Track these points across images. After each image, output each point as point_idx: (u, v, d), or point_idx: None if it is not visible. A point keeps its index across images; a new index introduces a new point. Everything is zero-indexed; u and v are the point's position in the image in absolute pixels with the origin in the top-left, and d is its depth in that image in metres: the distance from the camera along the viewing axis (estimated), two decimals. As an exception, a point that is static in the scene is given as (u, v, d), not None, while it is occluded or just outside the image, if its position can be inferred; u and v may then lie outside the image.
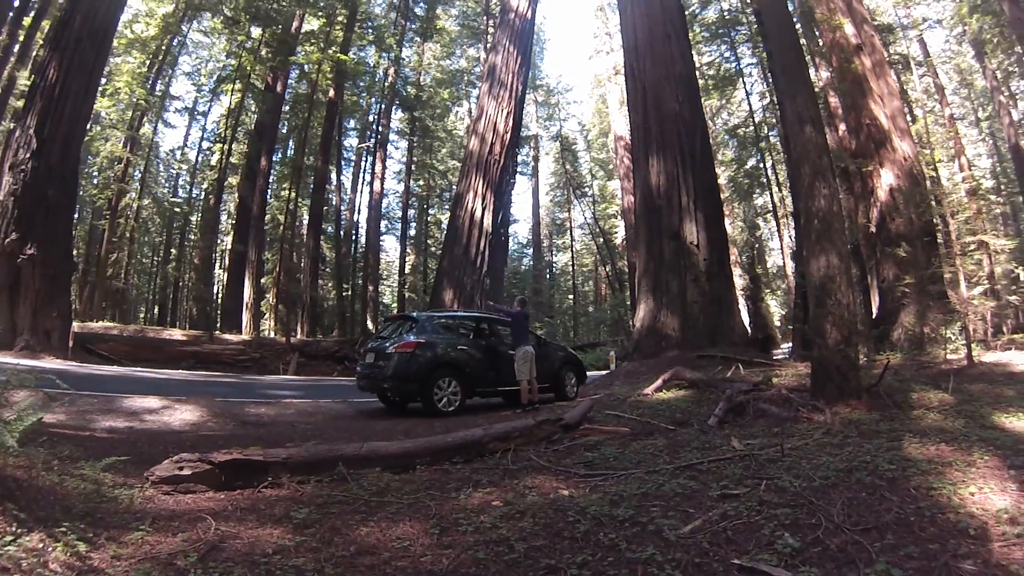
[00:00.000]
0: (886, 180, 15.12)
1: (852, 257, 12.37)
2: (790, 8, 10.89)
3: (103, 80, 22.06)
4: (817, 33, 17.50)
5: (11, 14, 17.06)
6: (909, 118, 17.86)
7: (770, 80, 24.07)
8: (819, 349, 7.02)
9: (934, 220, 14.17)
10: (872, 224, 15.36)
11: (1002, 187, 26.84)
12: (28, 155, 14.18)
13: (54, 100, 14.63)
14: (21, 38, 19.81)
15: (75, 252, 21.16)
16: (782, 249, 33.09)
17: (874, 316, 15.22)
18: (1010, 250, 14.13)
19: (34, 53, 19.25)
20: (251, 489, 4.12)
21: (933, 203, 14.06)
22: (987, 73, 25.23)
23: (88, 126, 19.03)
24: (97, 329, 18.62)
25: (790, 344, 21.20)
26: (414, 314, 11.70)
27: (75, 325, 15.99)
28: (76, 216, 23.23)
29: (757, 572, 2.63)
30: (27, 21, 19.72)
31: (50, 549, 2.54)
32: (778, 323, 35.20)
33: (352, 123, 33.55)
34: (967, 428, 5.31)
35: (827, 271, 7.26)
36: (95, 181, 28.40)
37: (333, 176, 31.88)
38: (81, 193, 24.52)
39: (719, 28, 25.57)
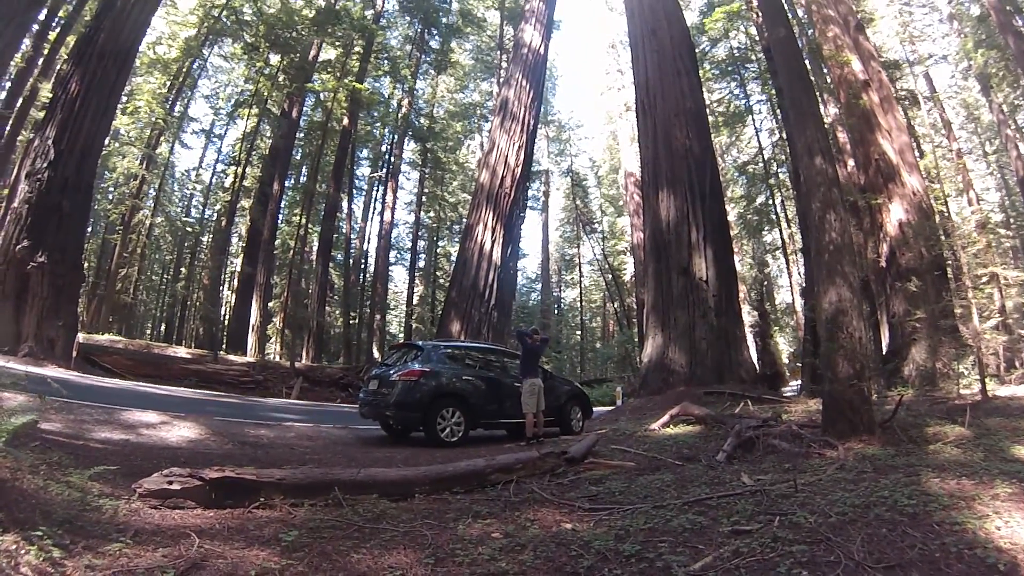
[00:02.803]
0: (895, 214, 15.04)
1: (862, 292, 12.22)
2: (799, 45, 10.99)
3: (124, 98, 22.61)
4: (825, 70, 17.68)
5: (35, 27, 17.49)
6: (917, 153, 17.87)
7: (779, 116, 24.29)
8: (831, 383, 6.85)
9: (944, 254, 14.03)
10: (882, 259, 15.24)
11: (1011, 220, 26.67)
12: (45, 165, 14.31)
13: (74, 113, 14.84)
14: (46, 51, 20.31)
15: (86, 265, 21.28)
16: (791, 286, 32.96)
17: (884, 352, 14.97)
18: (1022, 283, 13.91)
19: (58, 68, 19.71)
20: (242, 509, 3.98)
21: (943, 237, 13.94)
22: (993, 107, 25.31)
23: (106, 141, 19.34)
24: (102, 342, 18.61)
25: (799, 382, 20.85)
26: (419, 343, 11.60)
27: (80, 336, 15.96)
28: (89, 230, 23.47)
29: None
30: (53, 36, 20.27)
31: (23, 552, 2.44)
32: (786, 360, 34.73)
33: (365, 152, 34.09)
34: (987, 462, 5.12)
35: (838, 304, 7.14)
36: (110, 196, 28.78)
37: (344, 204, 32.24)
38: (95, 207, 24.81)
39: (728, 66, 25.94)
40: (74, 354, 14.48)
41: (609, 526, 3.96)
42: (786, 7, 11.35)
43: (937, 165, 17.21)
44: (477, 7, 33.89)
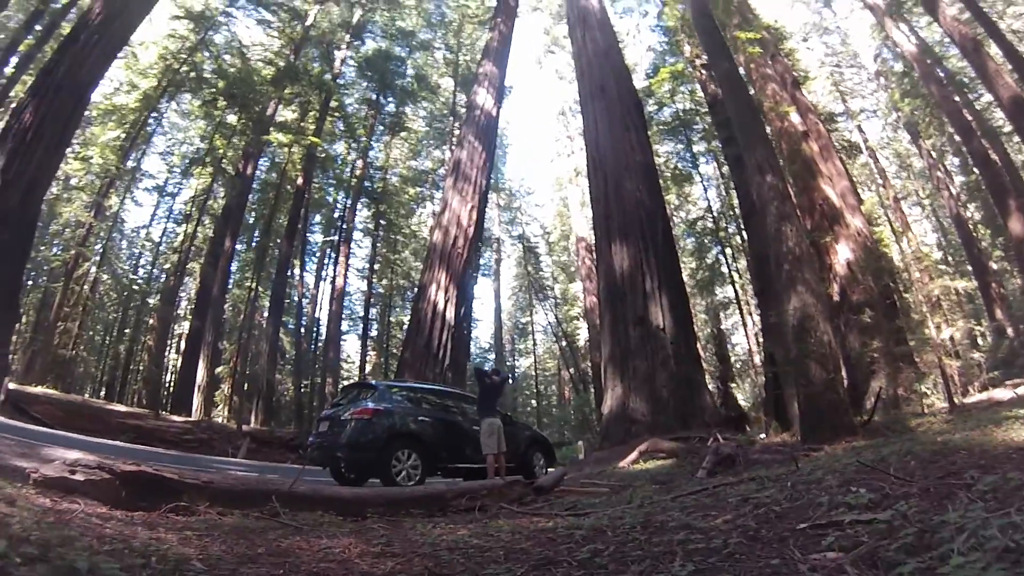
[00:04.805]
0: (842, 254, 15.56)
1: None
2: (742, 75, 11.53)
3: (76, 145, 21.87)
4: (765, 122, 18.68)
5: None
6: (856, 198, 18.79)
7: (724, 172, 25.40)
8: (806, 388, 6.65)
9: (891, 285, 14.49)
10: (834, 297, 15.61)
11: (950, 258, 28.07)
12: (-12, 193, 13.44)
13: (26, 144, 14.21)
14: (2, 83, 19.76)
15: (24, 318, 19.60)
16: (747, 337, 33.37)
17: (846, 387, 15.05)
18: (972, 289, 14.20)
19: (13, 105, 19.09)
20: (157, 512, 3.28)
21: (890, 266, 14.48)
22: (923, 153, 27.24)
23: (55, 188, 18.35)
24: (35, 392, 17.02)
25: (763, 434, 20.70)
26: (372, 381, 10.93)
27: (10, 382, 14.54)
28: (30, 282, 21.80)
29: (837, 525, 2.07)
30: (9, 71, 19.79)
31: None
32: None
33: (317, 218, 33.70)
34: (981, 425, 4.93)
35: (803, 309, 7.06)
36: (55, 245, 27.17)
37: (296, 271, 31.47)
38: (37, 256, 23.41)
39: (677, 124, 27.23)
40: (1, 398, 13.07)
41: (598, 516, 3.47)
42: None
43: (884, 210, 18.21)
44: (431, 73, 34.97)
